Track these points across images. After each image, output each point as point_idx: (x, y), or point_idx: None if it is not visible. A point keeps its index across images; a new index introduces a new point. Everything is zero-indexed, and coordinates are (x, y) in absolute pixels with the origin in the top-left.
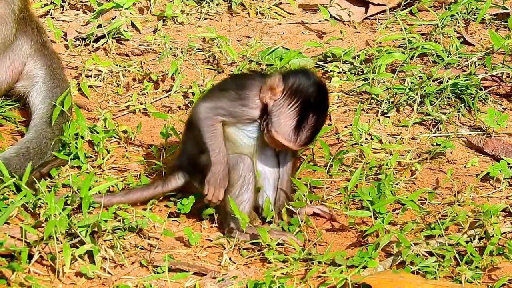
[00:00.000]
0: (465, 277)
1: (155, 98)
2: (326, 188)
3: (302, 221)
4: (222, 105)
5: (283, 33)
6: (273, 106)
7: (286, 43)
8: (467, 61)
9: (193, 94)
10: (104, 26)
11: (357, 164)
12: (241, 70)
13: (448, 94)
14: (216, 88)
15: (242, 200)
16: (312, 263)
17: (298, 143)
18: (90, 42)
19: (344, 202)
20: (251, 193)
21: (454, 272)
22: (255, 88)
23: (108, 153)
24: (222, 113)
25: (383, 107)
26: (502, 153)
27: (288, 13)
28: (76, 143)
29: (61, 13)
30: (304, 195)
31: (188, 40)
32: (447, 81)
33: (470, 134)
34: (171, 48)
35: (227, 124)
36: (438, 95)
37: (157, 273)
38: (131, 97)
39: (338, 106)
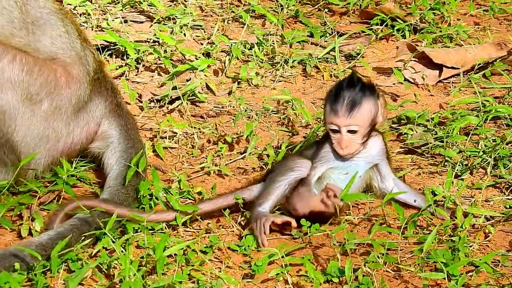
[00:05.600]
0: None
1: (230, 160)
2: (400, 250)
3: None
4: None
5: None
6: None
7: None
8: None
9: (268, 156)
10: (179, 88)
11: (431, 227)
12: (315, 133)
13: None
14: None
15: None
16: None
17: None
18: (165, 103)
19: (419, 264)
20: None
21: None
22: None
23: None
24: None
25: (457, 170)
26: None
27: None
28: (150, 204)
29: (136, 74)
30: (378, 257)
31: (263, 102)
32: None
33: None
34: (245, 110)
35: None
36: (511, 158)
37: None
38: (206, 158)
39: (412, 169)
